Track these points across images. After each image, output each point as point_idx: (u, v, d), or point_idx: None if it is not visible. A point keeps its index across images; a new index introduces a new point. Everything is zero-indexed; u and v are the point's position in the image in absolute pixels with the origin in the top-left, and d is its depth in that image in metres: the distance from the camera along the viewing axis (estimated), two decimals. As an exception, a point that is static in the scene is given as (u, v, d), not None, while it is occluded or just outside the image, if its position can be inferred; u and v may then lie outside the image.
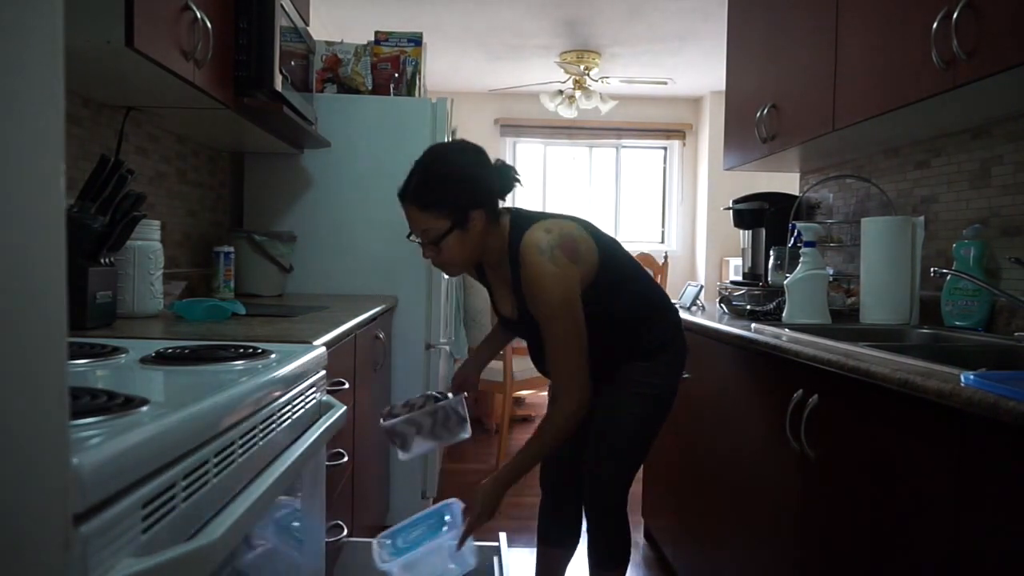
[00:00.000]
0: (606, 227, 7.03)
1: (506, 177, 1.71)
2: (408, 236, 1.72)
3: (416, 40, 3.09)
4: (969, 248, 1.90)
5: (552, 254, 1.63)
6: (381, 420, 1.88)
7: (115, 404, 0.76)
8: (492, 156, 1.71)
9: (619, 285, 1.76)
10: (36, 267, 0.49)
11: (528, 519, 3.05)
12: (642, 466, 3.00)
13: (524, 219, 1.71)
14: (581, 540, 1.99)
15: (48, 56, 0.50)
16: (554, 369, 1.69)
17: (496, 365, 4.05)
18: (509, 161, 6.82)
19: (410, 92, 3.07)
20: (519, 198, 6.86)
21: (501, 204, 1.74)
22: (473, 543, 1.71)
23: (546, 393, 4.70)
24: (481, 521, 1.70)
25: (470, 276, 1.91)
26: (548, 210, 1.88)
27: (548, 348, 1.67)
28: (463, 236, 1.64)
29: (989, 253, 1.90)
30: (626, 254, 1.83)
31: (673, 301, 2.01)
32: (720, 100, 4.96)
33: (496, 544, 1.92)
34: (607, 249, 1.75)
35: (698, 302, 2.65)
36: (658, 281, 6.51)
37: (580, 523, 2.01)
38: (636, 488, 3.08)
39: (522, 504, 3.32)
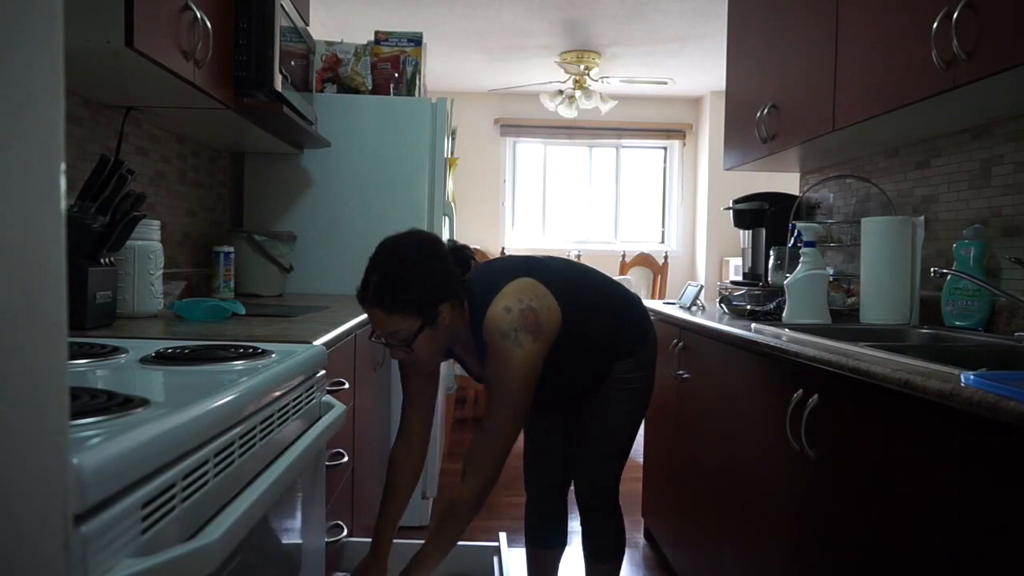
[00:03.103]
0: (606, 227, 7.04)
1: (461, 258, 1.69)
2: (371, 337, 1.66)
3: (416, 40, 3.09)
4: (969, 248, 1.90)
5: (515, 338, 1.59)
6: None
7: (115, 404, 0.76)
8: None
9: (586, 316, 1.75)
10: (36, 267, 0.49)
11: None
12: (642, 467, 3.01)
13: (481, 294, 1.65)
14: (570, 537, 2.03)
15: (48, 56, 0.50)
16: (480, 448, 1.64)
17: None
18: (509, 161, 6.83)
19: (410, 92, 3.07)
20: (520, 198, 6.86)
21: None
22: None
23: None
24: None
25: (426, 364, 1.79)
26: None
27: (487, 425, 1.64)
28: (434, 332, 1.59)
29: (989, 253, 1.90)
30: (587, 283, 1.82)
31: (671, 300, 2.02)
32: (720, 100, 4.97)
33: (496, 544, 1.92)
34: (568, 296, 1.70)
35: (698, 302, 2.65)
36: (658, 281, 6.50)
37: (567, 521, 2.03)
38: (636, 487, 3.09)
39: (522, 504, 3.31)
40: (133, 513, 0.66)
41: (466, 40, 5.16)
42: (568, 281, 1.76)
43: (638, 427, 1.90)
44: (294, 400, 1.19)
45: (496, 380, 1.63)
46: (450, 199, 3.39)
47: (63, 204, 0.52)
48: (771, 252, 2.58)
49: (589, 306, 1.78)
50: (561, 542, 2.05)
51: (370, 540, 1.77)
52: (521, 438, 1.88)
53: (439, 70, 5.87)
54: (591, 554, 1.93)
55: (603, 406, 1.84)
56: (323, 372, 1.40)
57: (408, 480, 1.80)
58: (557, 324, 1.67)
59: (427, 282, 1.58)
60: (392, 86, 3.04)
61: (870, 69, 1.89)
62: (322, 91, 2.96)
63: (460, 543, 1.80)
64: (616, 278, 2.11)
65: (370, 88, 3.02)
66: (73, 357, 1.10)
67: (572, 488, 1.97)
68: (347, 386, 1.72)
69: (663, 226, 7.02)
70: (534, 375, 1.64)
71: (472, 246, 1.82)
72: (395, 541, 1.83)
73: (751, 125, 2.60)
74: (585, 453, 1.89)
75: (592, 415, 1.86)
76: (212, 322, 1.78)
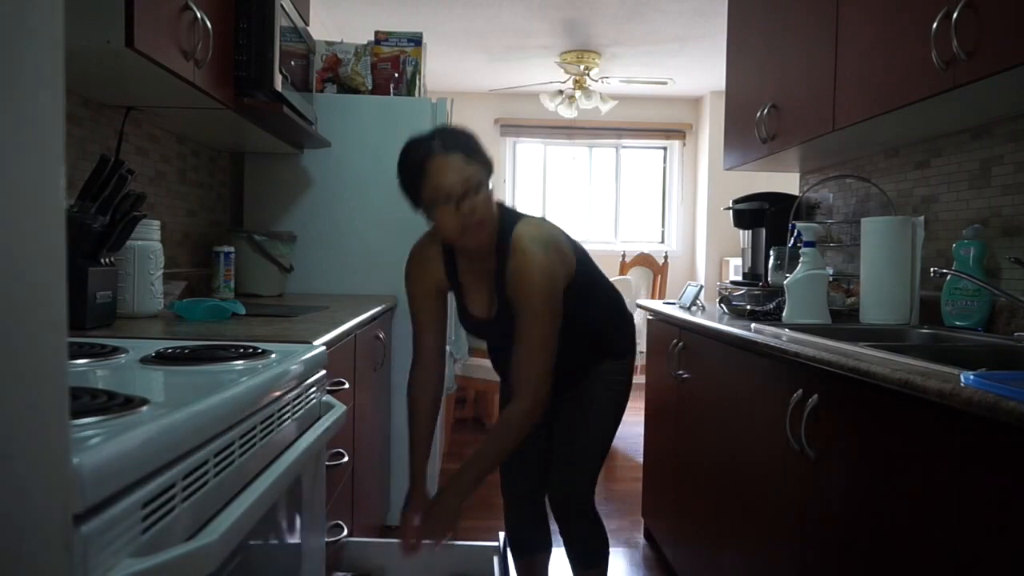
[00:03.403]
0: (606, 227, 7.04)
1: (489, 162, 1.71)
2: (417, 210, 1.64)
3: (416, 40, 3.09)
4: (969, 248, 1.90)
5: (546, 246, 1.62)
6: None
7: (115, 404, 0.76)
8: (492, 156, 1.70)
9: (592, 287, 1.78)
10: (36, 267, 0.49)
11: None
12: (642, 467, 3.01)
13: (511, 211, 1.70)
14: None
15: (48, 56, 0.50)
16: (523, 367, 1.63)
17: (496, 365, 4.04)
18: (509, 161, 6.83)
19: (410, 92, 3.07)
20: (520, 198, 6.86)
21: None
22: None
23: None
24: (439, 536, 1.65)
25: (435, 281, 1.78)
26: (547, 211, 1.90)
27: (522, 345, 1.62)
28: (488, 193, 1.60)
29: (989, 253, 1.90)
30: (599, 274, 1.88)
31: (672, 301, 2.03)
32: (720, 100, 4.96)
33: (496, 544, 1.91)
34: (580, 252, 1.78)
35: (698, 302, 2.64)
36: (658, 281, 6.49)
37: (548, 524, 2.02)
38: (636, 487, 3.09)
39: (522, 504, 3.31)
40: (133, 513, 0.66)
41: (466, 40, 5.16)
42: (584, 257, 1.79)
43: (612, 435, 1.88)
44: (294, 400, 1.19)
45: (523, 294, 1.60)
46: (450, 199, 3.38)
47: (63, 204, 0.52)
48: (771, 252, 2.58)
49: (595, 287, 1.79)
50: (544, 546, 2.03)
51: (371, 540, 1.78)
52: None
53: (439, 70, 5.87)
54: (576, 562, 1.91)
55: (582, 404, 1.82)
56: (323, 372, 1.40)
57: (429, 406, 1.80)
58: (572, 268, 1.69)
59: (480, 146, 1.63)
60: (392, 86, 3.04)
61: (870, 69, 1.89)
62: (322, 91, 2.96)
63: (460, 542, 1.81)
64: (616, 278, 2.14)
65: (370, 88, 3.02)
66: (73, 357, 1.10)
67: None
68: (347, 386, 1.72)
69: (663, 226, 7.01)
70: (559, 293, 1.62)
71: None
72: (395, 541, 1.83)
73: (751, 125, 2.60)
74: (559, 455, 1.86)
75: (569, 414, 1.84)
76: (212, 322, 1.78)
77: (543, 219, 1.72)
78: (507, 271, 1.62)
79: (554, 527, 1.96)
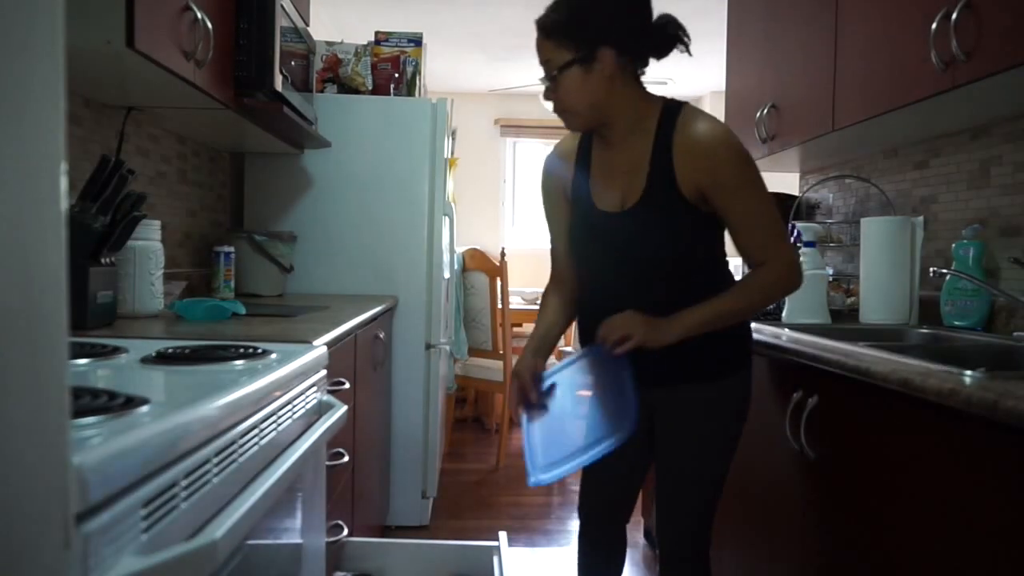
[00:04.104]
0: (606, 227, 7.06)
1: (665, 33, 1.46)
2: (541, 79, 1.50)
3: (416, 40, 3.10)
4: (968, 248, 1.90)
5: (729, 132, 1.42)
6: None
7: (116, 404, 0.76)
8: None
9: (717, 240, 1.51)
10: (37, 267, 0.50)
11: (528, 519, 3.05)
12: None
13: (675, 101, 1.49)
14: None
15: (49, 57, 0.50)
16: (752, 241, 1.42)
17: (496, 364, 4.05)
18: (509, 161, 6.83)
19: (410, 92, 3.07)
20: (520, 198, 6.86)
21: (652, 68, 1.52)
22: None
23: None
24: (643, 341, 1.40)
25: (562, 183, 1.60)
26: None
27: (740, 217, 1.40)
28: (585, 76, 1.41)
29: (988, 253, 1.90)
30: None
31: None
32: (720, 100, 4.96)
33: (496, 544, 1.92)
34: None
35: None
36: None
37: (624, 554, 1.74)
38: (636, 488, 3.09)
39: (522, 504, 3.32)
40: (134, 512, 0.66)
41: (466, 40, 5.16)
42: (757, 173, 1.52)
43: (724, 460, 1.54)
44: (294, 400, 1.19)
45: (714, 164, 1.39)
46: (450, 199, 3.39)
47: (64, 204, 0.52)
48: (771, 252, 2.57)
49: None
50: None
51: (371, 540, 1.78)
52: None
53: (439, 70, 5.87)
54: None
55: (679, 434, 1.53)
56: (323, 372, 1.40)
57: (566, 309, 1.66)
58: None
59: (596, 14, 1.40)
60: (392, 86, 3.04)
61: (870, 69, 1.89)
62: (322, 91, 2.96)
63: (460, 542, 1.81)
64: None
65: (370, 88, 3.03)
66: (74, 357, 1.10)
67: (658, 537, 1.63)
68: (347, 386, 1.72)
69: (663, 226, 7.00)
70: (753, 163, 1.42)
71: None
72: (397, 541, 1.83)
73: (751, 125, 2.60)
74: (662, 487, 1.58)
75: (668, 445, 1.55)
76: (212, 322, 1.78)
77: None
78: (674, 147, 1.42)
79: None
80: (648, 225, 1.45)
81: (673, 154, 1.41)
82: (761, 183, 1.43)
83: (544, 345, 1.63)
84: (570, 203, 1.60)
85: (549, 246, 1.69)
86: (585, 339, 1.60)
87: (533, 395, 1.55)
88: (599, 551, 1.71)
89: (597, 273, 1.58)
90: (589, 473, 1.70)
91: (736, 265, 1.53)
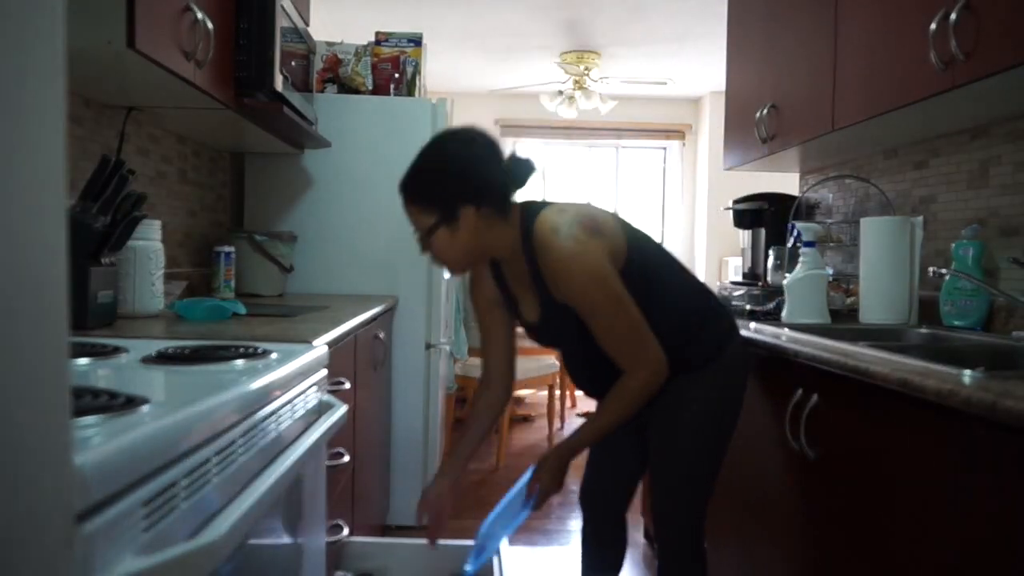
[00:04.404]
0: (606, 227, 7.05)
1: (519, 171, 1.55)
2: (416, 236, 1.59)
3: (416, 40, 3.10)
4: (968, 248, 1.90)
5: (570, 232, 1.47)
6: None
7: (116, 403, 0.76)
8: (473, 169, 1.54)
9: (653, 276, 1.57)
10: (38, 267, 0.50)
11: (528, 519, 3.05)
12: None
13: (535, 208, 1.56)
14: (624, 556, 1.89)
15: (50, 57, 0.50)
16: (615, 352, 1.52)
17: (496, 365, 4.04)
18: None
19: (410, 92, 3.07)
20: (520, 198, 6.87)
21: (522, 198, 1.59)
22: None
23: (546, 392, 4.69)
24: (550, 493, 1.63)
25: (489, 292, 1.70)
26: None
27: (598, 333, 1.51)
28: (451, 235, 1.49)
29: (987, 253, 1.90)
30: (659, 245, 1.66)
31: None
32: (720, 100, 4.95)
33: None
34: (635, 234, 1.59)
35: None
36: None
37: (626, 547, 1.88)
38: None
39: (522, 504, 3.31)
40: (135, 511, 0.66)
41: (466, 40, 5.16)
42: (641, 240, 1.60)
43: (707, 462, 1.62)
44: (295, 400, 1.19)
45: (565, 288, 1.49)
46: (450, 199, 3.38)
47: (64, 204, 0.52)
48: (771, 252, 2.58)
49: (660, 268, 1.60)
50: (616, 567, 1.87)
51: (371, 540, 1.78)
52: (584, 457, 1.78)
53: (439, 70, 5.87)
54: None
55: (661, 428, 1.64)
56: (324, 372, 1.40)
57: (485, 422, 1.76)
58: (622, 248, 1.53)
59: (451, 179, 1.49)
60: (392, 86, 3.04)
61: (869, 69, 1.89)
62: (322, 91, 2.96)
63: (457, 542, 1.81)
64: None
65: (370, 88, 3.03)
66: (75, 356, 1.10)
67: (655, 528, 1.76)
68: (347, 386, 1.72)
69: (663, 226, 7.01)
70: (604, 269, 1.47)
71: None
72: (395, 541, 1.83)
73: (751, 125, 2.60)
74: (654, 481, 1.69)
75: (659, 439, 1.65)
76: (213, 322, 1.78)
77: (572, 203, 1.58)
78: (542, 273, 1.52)
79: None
80: (563, 328, 1.58)
81: (544, 279, 1.53)
82: (612, 297, 1.48)
83: (455, 468, 1.76)
84: (505, 316, 1.72)
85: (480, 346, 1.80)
86: (580, 386, 1.76)
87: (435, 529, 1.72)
88: (602, 540, 1.84)
89: (563, 355, 1.77)
90: (595, 458, 1.84)
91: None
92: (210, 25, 1.69)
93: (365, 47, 3.05)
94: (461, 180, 1.49)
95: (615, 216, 1.61)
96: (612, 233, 1.53)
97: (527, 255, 1.54)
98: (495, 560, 1.79)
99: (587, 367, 1.68)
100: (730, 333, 1.66)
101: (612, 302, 1.48)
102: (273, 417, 1.07)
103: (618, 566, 1.87)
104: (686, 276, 1.66)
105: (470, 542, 1.73)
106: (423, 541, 1.70)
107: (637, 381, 1.52)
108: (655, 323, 1.53)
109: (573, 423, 4.89)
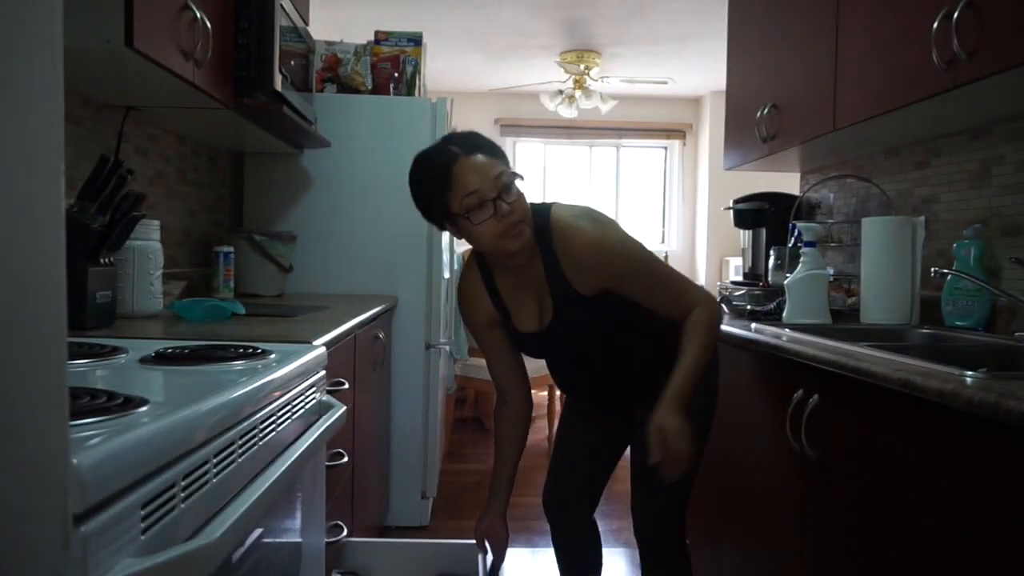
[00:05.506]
0: (606, 227, 7.07)
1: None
2: (444, 228, 1.53)
3: (416, 40, 3.09)
4: (969, 248, 1.89)
5: (589, 213, 1.51)
6: None
7: (115, 404, 0.76)
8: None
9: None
10: (36, 267, 0.49)
11: (527, 519, 3.05)
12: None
13: (543, 206, 1.55)
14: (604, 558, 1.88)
15: (48, 56, 0.50)
16: (670, 303, 1.52)
17: (496, 365, 4.04)
18: (510, 160, 6.82)
19: (410, 92, 3.07)
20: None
21: None
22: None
23: (545, 393, 4.68)
24: (683, 456, 1.43)
25: (486, 312, 1.63)
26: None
27: (647, 293, 1.51)
28: (521, 192, 1.48)
29: (989, 253, 1.90)
30: (663, 264, 1.65)
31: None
32: (720, 100, 4.96)
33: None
34: (632, 237, 1.60)
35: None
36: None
37: (599, 543, 1.87)
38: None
39: (521, 504, 3.31)
40: (133, 513, 0.66)
41: (466, 40, 5.15)
42: (642, 245, 1.60)
43: (702, 452, 1.64)
44: (294, 400, 1.19)
45: (598, 264, 1.48)
46: (450, 199, 3.38)
47: (63, 204, 0.52)
48: (771, 252, 2.58)
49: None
50: (596, 570, 1.85)
51: (371, 540, 1.78)
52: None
53: (439, 70, 5.87)
54: None
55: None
56: (323, 372, 1.40)
57: (514, 442, 1.71)
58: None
59: (499, 148, 1.52)
60: (392, 86, 3.04)
61: (871, 69, 1.89)
62: (322, 91, 2.96)
63: (446, 541, 1.81)
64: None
65: (370, 88, 3.02)
66: (73, 357, 1.10)
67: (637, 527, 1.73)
68: (347, 386, 1.72)
69: (663, 226, 7.02)
70: (629, 238, 1.52)
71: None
72: (396, 540, 1.83)
73: (751, 125, 2.60)
74: (644, 480, 1.65)
75: (643, 433, 1.60)
76: (212, 322, 1.78)
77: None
78: (561, 263, 1.49)
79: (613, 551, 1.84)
80: (576, 327, 1.56)
81: (565, 274, 1.50)
82: (646, 253, 1.53)
83: (506, 496, 1.72)
84: (503, 329, 1.66)
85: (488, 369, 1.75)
86: (569, 392, 1.80)
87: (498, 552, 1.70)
88: (573, 545, 1.83)
89: (558, 363, 1.73)
90: (552, 465, 1.84)
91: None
92: (209, 24, 1.68)
93: (365, 46, 3.05)
94: (502, 150, 1.52)
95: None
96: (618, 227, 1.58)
97: (543, 250, 1.50)
98: (480, 558, 1.77)
99: (587, 368, 1.67)
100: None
101: (652, 257, 1.54)
102: (272, 418, 1.06)
103: (598, 565, 1.87)
104: (676, 274, 1.70)
105: (457, 541, 1.72)
106: (409, 540, 1.70)
107: (706, 313, 1.52)
108: (663, 324, 1.54)
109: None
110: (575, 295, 1.51)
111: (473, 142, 1.47)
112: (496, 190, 1.42)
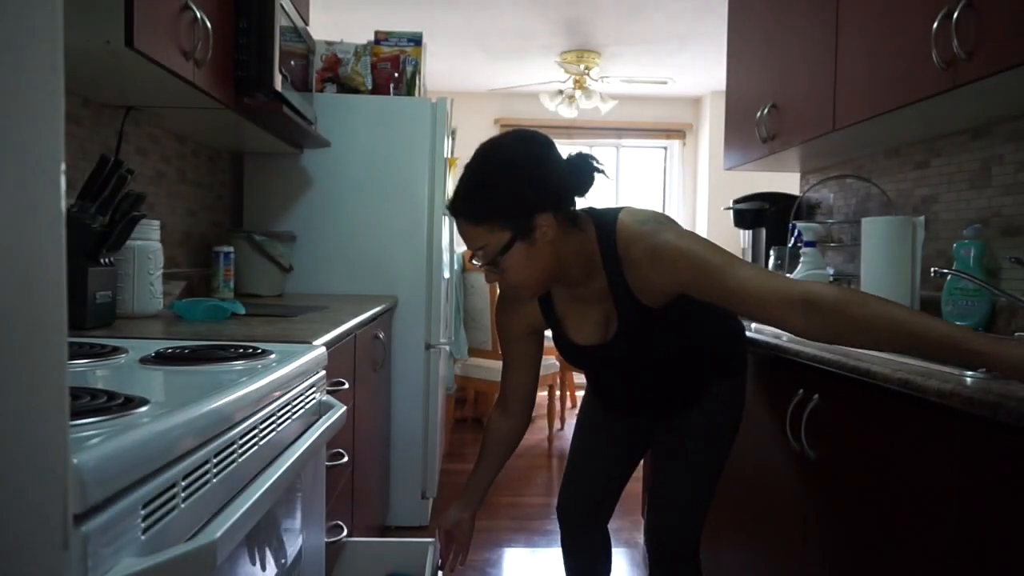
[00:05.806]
0: (606, 227, 7.07)
1: (583, 171, 1.36)
2: (471, 260, 1.44)
3: (416, 40, 3.09)
4: (969, 248, 1.89)
5: (657, 218, 1.37)
6: None
7: (115, 404, 0.76)
8: (545, 182, 1.38)
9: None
10: (36, 267, 0.49)
11: (527, 519, 3.05)
12: (643, 466, 3.01)
13: (609, 212, 1.41)
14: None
15: (48, 56, 0.50)
16: (763, 303, 1.23)
17: (496, 364, 4.05)
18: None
19: (410, 92, 3.07)
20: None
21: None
22: None
23: (545, 393, 4.68)
24: None
25: (527, 322, 1.57)
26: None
27: (734, 294, 1.26)
28: (530, 250, 1.32)
29: (989, 253, 1.90)
30: None
31: None
32: (720, 100, 4.97)
33: (432, 540, 1.83)
34: (702, 240, 1.45)
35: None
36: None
37: (610, 553, 1.83)
38: (636, 487, 3.09)
39: (521, 504, 3.31)
40: (133, 513, 0.66)
41: (466, 40, 5.16)
42: (708, 251, 1.41)
43: (725, 454, 1.62)
44: (294, 400, 1.19)
45: (676, 274, 1.31)
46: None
47: (63, 204, 0.52)
48: (771, 252, 2.58)
49: None
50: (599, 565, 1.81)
51: (370, 540, 1.77)
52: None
53: (439, 70, 5.87)
54: None
55: (694, 430, 1.59)
56: (323, 372, 1.40)
57: (501, 451, 1.68)
58: None
59: (521, 185, 1.31)
60: (392, 86, 3.04)
61: (871, 69, 1.89)
62: (322, 91, 2.96)
63: (396, 540, 1.81)
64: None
65: (370, 88, 3.02)
66: (73, 357, 1.10)
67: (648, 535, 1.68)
68: (347, 386, 1.72)
69: (663, 226, 7.02)
70: (695, 244, 1.31)
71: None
72: (395, 540, 1.83)
73: (751, 125, 2.60)
74: (667, 488, 1.62)
75: (678, 441, 1.61)
76: (212, 322, 1.78)
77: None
78: (626, 273, 1.37)
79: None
80: (637, 342, 1.46)
81: (631, 287, 1.39)
82: (725, 254, 1.31)
83: (474, 498, 1.68)
84: (538, 344, 1.62)
85: (503, 369, 1.67)
86: (610, 406, 1.72)
87: (454, 555, 1.66)
88: (583, 551, 1.79)
89: (611, 375, 1.65)
90: (570, 475, 1.79)
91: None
92: (209, 24, 1.68)
93: (365, 46, 3.05)
94: (532, 183, 1.32)
95: None
96: None
97: (608, 262, 1.39)
98: (429, 553, 1.76)
99: (642, 385, 1.60)
100: (746, 350, 1.69)
101: (731, 254, 1.31)
102: (272, 418, 1.06)
103: (607, 571, 1.83)
104: None
105: (407, 540, 1.72)
106: (359, 539, 1.69)
107: (830, 296, 1.19)
108: (711, 330, 1.54)
109: (573, 423, 4.89)
110: (639, 307, 1.40)
111: (463, 199, 1.35)
112: (482, 261, 1.36)
